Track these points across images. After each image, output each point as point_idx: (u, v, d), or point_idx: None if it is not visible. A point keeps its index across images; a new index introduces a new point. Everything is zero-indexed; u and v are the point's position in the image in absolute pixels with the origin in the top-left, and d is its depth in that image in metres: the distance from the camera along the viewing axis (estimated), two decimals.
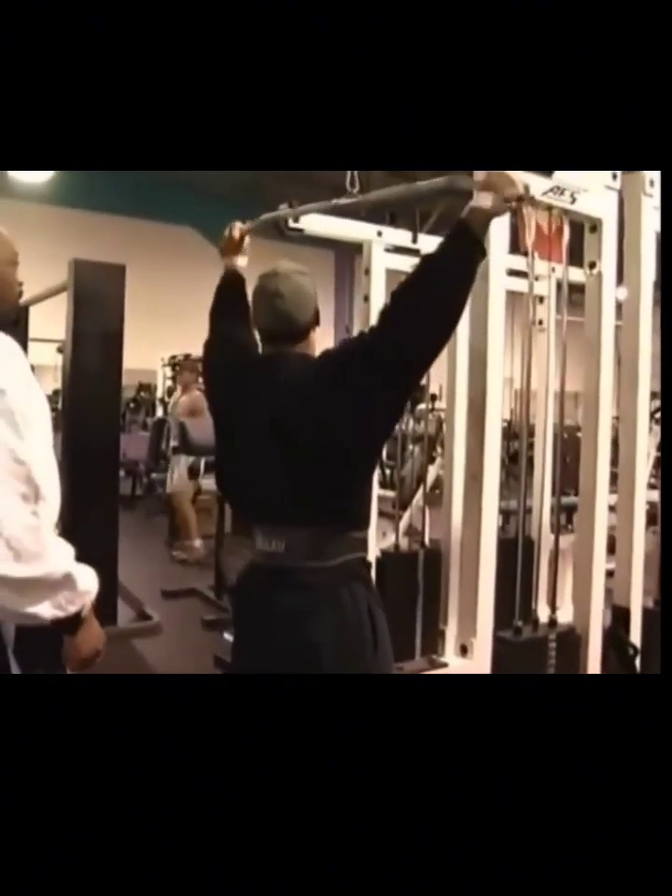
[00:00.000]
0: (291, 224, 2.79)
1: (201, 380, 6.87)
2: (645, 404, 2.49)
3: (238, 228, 2.15)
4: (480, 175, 1.70)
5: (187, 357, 10.63)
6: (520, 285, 3.04)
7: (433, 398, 6.95)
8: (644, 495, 2.51)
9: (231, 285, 2.12)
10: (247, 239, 2.16)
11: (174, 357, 11.06)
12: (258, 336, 1.88)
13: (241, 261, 2.15)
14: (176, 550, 6.66)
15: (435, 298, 1.63)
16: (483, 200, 1.63)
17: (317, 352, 1.82)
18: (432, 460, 5.57)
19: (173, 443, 7.01)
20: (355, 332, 1.91)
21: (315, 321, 1.82)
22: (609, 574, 2.50)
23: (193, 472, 6.62)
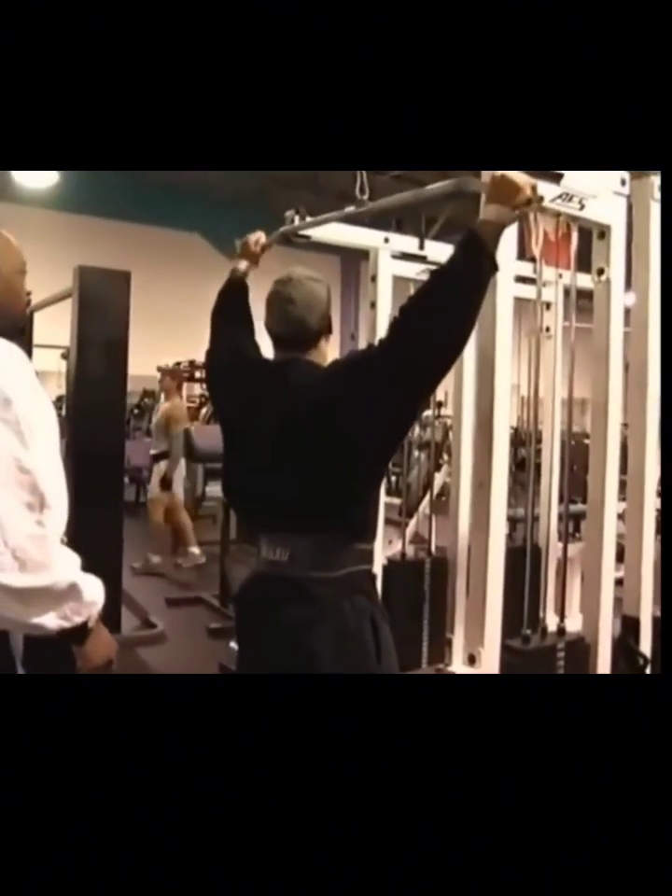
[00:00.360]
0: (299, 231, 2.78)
1: (181, 387, 6.93)
2: (654, 411, 2.47)
3: (261, 240, 2.16)
4: (487, 178, 1.67)
5: (191, 363, 10.66)
6: (527, 291, 3.03)
7: (440, 404, 6.95)
8: (653, 502, 2.49)
9: (234, 290, 2.12)
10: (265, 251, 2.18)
11: (178, 364, 11.08)
12: (271, 341, 1.86)
13: (243, 265, 2.16)
14: (137, 562, 6.47)
15: (447, 312, 1.60)
16: (492, 212, 1.60)
17: (328, 361, 1.81)
18: (438, 467, 5.55)
19: (151, 451, 7.00)
20: (361, 338, 1.90)
21: (327, 329, 1.81)
22: (619, 583, 2.47)
23: (165, 483, 6.57)
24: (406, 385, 1.63)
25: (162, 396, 7.40)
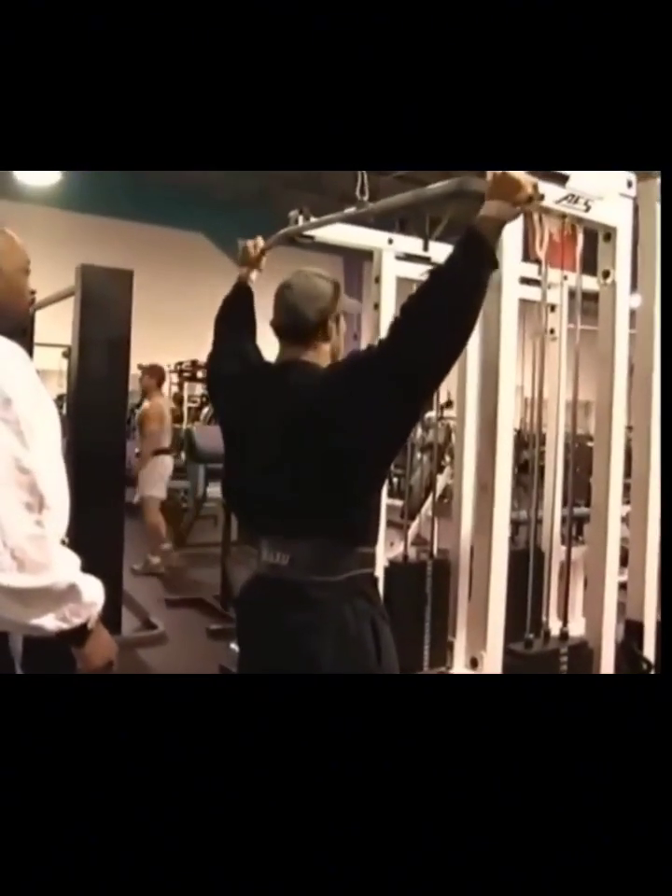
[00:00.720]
0: (303, 232, 2.77)
1: (160, 387, 6.89)
2: (659, 414, 2.46)
3: (259, 244, 2.15)
4: (489, 177, 1.66)
5: (193, 362, 10.65)
6: (531, 293, 3.01)
7: (449, 405, 6.93)
8: (658, 506, 2.47)
9: (239, 297, 2.12)
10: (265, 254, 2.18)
11: (180, 364, 11.07)
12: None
13: (254, 275, 2.16)
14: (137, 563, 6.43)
15: (446, 311, 1.58)
16: (492, 208, 1.59)
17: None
18: (441, 469, 5.54)
19: (135, 450, 6.93)
20: (363, 340, 1.88)
21: (323, 327, 1.77)
22: (622, 586, 2.46)
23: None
24: (406, 386, 1.61)
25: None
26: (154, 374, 6.88)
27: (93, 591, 1.46)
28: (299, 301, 1.76)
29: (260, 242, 2.18)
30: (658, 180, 2.31)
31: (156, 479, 6.61)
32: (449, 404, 6.46)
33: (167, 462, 6.73)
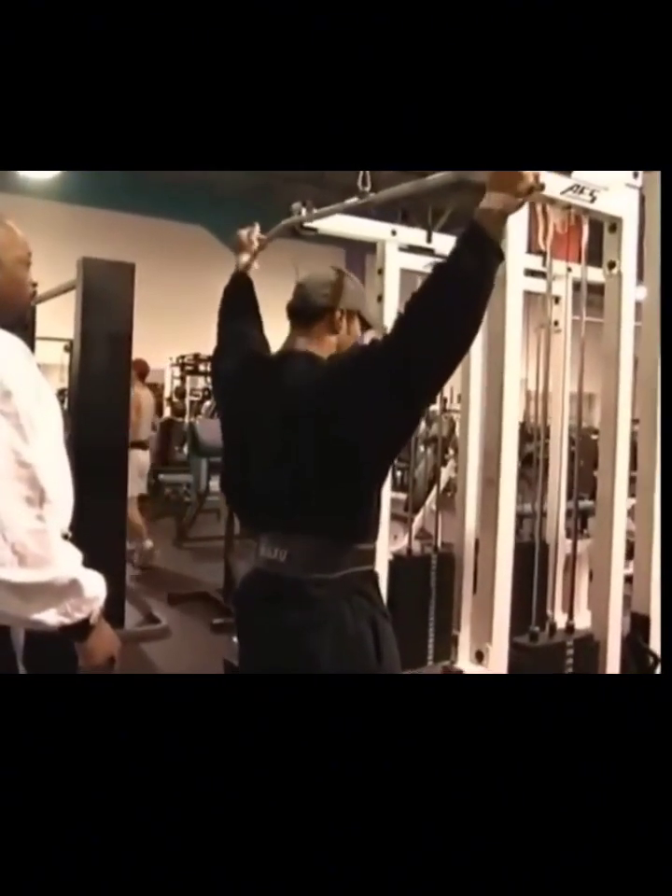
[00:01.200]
0: (305, 223, 2.75)
1: (142, 379, 6.88)
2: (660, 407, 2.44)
3: (255, 232, 2.13)
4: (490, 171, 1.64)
5: (196, 356, 10.62)
6: (535, 285, 2.99)
7: (457, 400, 6.92)
8: (658, 499, 2.45)
9: (238, 287, 2.10)
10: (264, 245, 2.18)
11: (182, 357, 11.04)
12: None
13: (254, 264, 2.15)
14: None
15: (452, 307, 1.53)
16: (494, 200, 1.54)
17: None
18: (444, 462, 5.52)
19: None
20: (366, 335, 1.86)
21: (330, 315, 1.76)
22: (628, 580, 2.44)
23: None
24: (409, 383, 1.57)
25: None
26: (135, 367, 6.85)
27: (95, 586, 1.45)
28: (310, 284, 1.80)
29: (257, 229, 2.17)
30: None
31: (133, 475, 6.49)
32: (452, 400, 6.45)
33: (142, 457, 6.63)
